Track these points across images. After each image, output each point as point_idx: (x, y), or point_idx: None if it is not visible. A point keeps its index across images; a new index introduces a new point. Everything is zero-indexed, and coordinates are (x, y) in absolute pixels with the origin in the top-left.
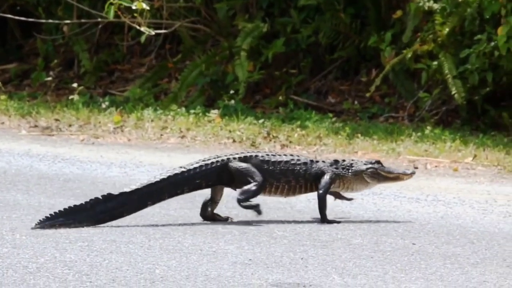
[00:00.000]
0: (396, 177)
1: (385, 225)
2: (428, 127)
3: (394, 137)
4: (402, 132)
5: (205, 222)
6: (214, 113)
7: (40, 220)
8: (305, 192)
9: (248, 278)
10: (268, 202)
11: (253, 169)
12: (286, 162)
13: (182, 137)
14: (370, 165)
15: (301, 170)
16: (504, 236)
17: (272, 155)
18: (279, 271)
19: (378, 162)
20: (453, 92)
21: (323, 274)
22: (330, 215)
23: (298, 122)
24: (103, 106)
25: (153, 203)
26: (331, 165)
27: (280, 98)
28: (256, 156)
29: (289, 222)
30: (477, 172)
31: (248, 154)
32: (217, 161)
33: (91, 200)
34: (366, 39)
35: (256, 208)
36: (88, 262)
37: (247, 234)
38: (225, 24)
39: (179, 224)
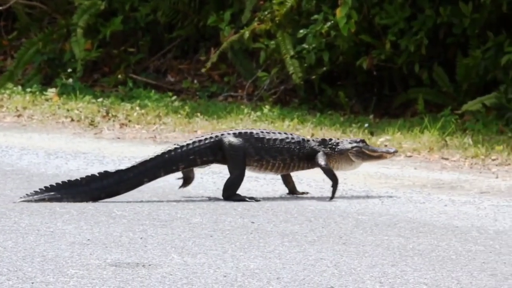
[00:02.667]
0: (379, 156)
1: (224, 204)
2: (267, 106)
3: (233, 116)
4: (241, 111)
5: (43, 202)
6: (51, 92)
7: (27, 194)
8: (297, 169)
9: (86, 258)
10: None
11: (240, 152)
12: (281, 140)
13: (19, 116)
14: (355, 144)
15: (295, 149)
16: (340, 214)
17: (267, 132)
18: (118, 251)
19: (363, 141)
20: (290, 72)
21: (163, 254)
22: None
23: (138, 101)
24: None
25: (149, 180)
26: (319, 144)
27: (119, 76)
28: (251, 133)
29: (128, 201)
30: None
31: (243, 131)
32: (211, 137)
33: (86, 176)
34: (205, 18)
35: (247, 199)
36: None
37: (85, 214)
38: (62, 1)
39: (16, 204)
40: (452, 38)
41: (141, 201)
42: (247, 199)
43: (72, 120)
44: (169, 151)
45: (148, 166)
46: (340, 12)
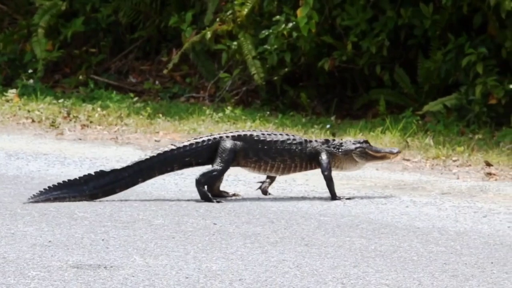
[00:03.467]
0: (383, 156)
1: (186, 205)
2: (229, 107)
3: (195, 117)
4: (203, 112)
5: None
6: (12, 93)
7: (34, 194)
8: (300, 170)
9: (47, 260)
10: None
11: (226, 154)
12: (282, 141)
13: None
14: (359, 145)
15: (296, 150)
16: (302, 215)
17: (267, 134)
18: (80, 253)
19: (366, 141)
20: (252, 73)
21: (124, 255)
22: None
23: (99, 102)
24: None
25: (144, 180)
26: (323, 144)
27: (80, 77)
28: (251, 135)
29: (90, 203)
30: None
31: (243, 133)
32: (209, 140)
33: (84, 175)
34: (167, 19)
35: (206, 198)
36: None
37: (46, 215)
38: (23, 1)
39: None
40: (413, 39)
41: (103, 203)
42: (209, 197)
43: (33, 121)
44: (165, 151)
45: (143, 166)
46: (300, 12)
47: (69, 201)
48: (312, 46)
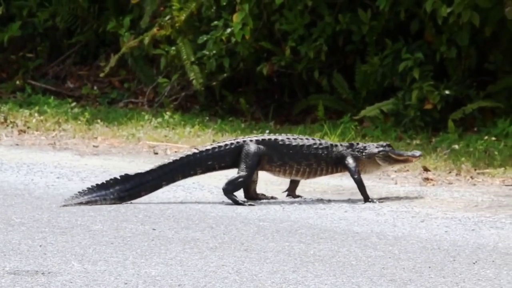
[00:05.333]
0: (405, 160)
1: (125, 211)
2: (168, 113)
3: (134, 123)
4: (141, 118)
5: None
6: None
7: (65, 198)
8: (326, 174)
9: None
10: (6, 189)
11: (250, 159)
12: (308, 146)
13: None
14: (382, 148)
15: (323, 154)
16: (242, 220)
17: (293, 139)
18: (17, 259)
19: (389, 145)
20: (191, 78)
21: (63, 261)
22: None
23: (36, 107)
24: None
25: (168, 183)
26: (347, 148)
27: (17, 82)
28: (276, 139)
29: (27, 208)
30: None
31: (267, 138)
32: (232, 144)
33: (111, 179)
34: (105, 24)
35: (237, 203)
36: None
37: None
38: None
39: None
40: (351, 45)
41: (41, 208)
42: (240, 202)
43: None
44: (188, 155)
45: (166, 169)
46: (236, 18)
47: (100, 204)
48: (250, 51)
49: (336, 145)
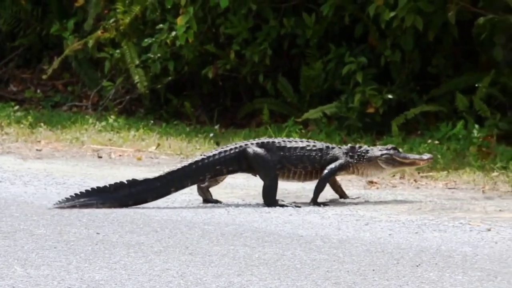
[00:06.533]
0: (412, 163)
1: (69, 214)
2: (112, 116)
3: (78, 126)
4: (86, 121)
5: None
6: None
7: (59, 200)
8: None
9: None
10: None
11: (267, 160)
12: (302, 148)
13: None
14: (385, 151)
15: (317, 156)
16: (186, 224)
17: (288, 141)
18: None
19: (394, 148)
20: (136, 81)
21: (5, 266)
22: None
23: None
24: None
25: (176, 189)
26: (347, 151)
27: None
28: (273, 142)
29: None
30: (160, 161)
31: (266, 141)
32: (235, 148)
33: (115, 183)
34: (48, 27)
35: (289, 205)
36: None
37: None
38: None
39: None
40: (296, 49)
41: None
42: (287, 205)
43: None
44: (196, 161)
45: (175, 176)
46: (180, 21)
47: (97, 207)
48: (195, 54)
49: (333, 147)
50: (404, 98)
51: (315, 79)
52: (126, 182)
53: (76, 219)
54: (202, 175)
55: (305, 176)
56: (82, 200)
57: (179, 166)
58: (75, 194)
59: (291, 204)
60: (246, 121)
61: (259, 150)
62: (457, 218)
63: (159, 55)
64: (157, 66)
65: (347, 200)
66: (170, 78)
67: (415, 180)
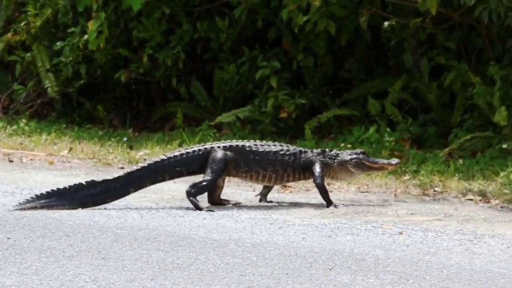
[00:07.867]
0: (381, 167)
1: None
2: (23, 120)
3: None
4: None
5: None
6: None
7: (19, 202)
8: (293, 180)
9: None
10: None
11: (216, 164)
12: (275, 152)
13: None
14: (355, 156)
15: (289, 160)
16: (99, 229)
17: (260, 145)
18: None
19: (364, 152)
20: (46, 85)
21: None
22: None
23: None
24: None
25: (135, 190)
26: (318, 154)
27: None
28: (243, 146)
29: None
30: (73, 165)
31: (234, 144)
32: (199, 150)
33: (75, 184)
34: None
35: (197, 208)
36: None
37: None
38: None
39: None
40: (209, 53)
41: None
42: (200, 207)
43: None
44: (156, 162)
45: (134, 176)
46: (92, 25)
47: (57, 209)
48: (108, 58)
49: (305, 151)
50: (317, 102)
51: (228, 83)
52: (85, 184)
53: None
54: (161, 176)
55: (276, 179)
56: (43, 201)
57: (138, 166)
58: (36, 195)
59: (207, 208)
60: (160, 125)
61: (219, 154)
62: (370, 221)
63: (71, 58)
64: (69, 70)
65: (261, 204)
66: (82, 81)
67: (328, 184)
